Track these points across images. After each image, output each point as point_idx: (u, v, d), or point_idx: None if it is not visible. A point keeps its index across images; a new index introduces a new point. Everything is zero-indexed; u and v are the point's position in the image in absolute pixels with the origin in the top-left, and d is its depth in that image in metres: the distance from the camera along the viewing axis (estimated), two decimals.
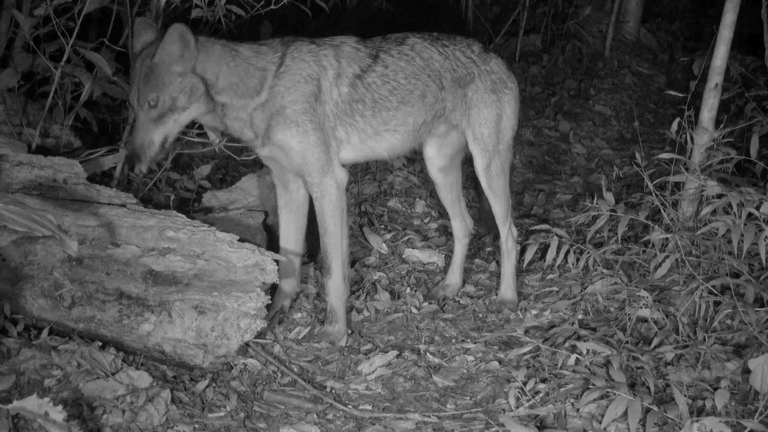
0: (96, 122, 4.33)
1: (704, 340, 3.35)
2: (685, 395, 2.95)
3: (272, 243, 4.04)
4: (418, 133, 3.82)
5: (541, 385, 3.26)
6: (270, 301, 3.37)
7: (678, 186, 4.12)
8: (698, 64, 6.12)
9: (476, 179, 4.01)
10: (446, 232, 4.77)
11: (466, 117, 3.88)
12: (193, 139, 4.17)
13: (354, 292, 4.08)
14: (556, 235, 3.96)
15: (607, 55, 8.01)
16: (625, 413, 2.89)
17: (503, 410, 3.20)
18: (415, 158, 5.44)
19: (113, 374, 3.01)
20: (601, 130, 6.82)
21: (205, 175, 4.75)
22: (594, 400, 3.05)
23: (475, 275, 4.42)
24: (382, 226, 4.82)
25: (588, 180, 5.80)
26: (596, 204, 3.95)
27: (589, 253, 3.96)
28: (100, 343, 3.20)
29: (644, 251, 3.99)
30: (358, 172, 5.34)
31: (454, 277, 4.25)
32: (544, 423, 3.07)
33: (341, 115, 3.63)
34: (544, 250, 4.10)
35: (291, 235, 3.90)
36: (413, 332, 3.87)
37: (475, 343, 3.77)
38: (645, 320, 3.59)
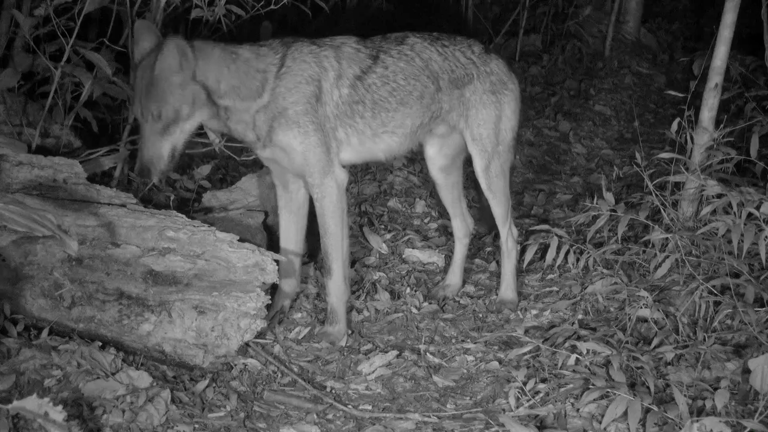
0: (96, 122, 4.33)
1: (704, 340, 3.35)
2: (685, 395, 2.95)
3: (272, 243, 4.04)
4: (416, 134, 3.82)
5: (541, 385, 3.26)
6: (270, 301, 3.37)
7: (678, 186, 4.12)
8: (698, 64, 6.12)
9: (477, 179, 4.01)
10: (446, 232, 4.77)
11: (464, 118, 3.87)
12: (193, 139, 4.16)
13: (354, 292, 4.08)
14: (556, 235, 3.96)
15: (607, 55, 8.02)
16: (625, 413, 2.89)
17: (503, 410, 3.20)
18: (415, 158, 5.44)
19: (113, 374, 3.01)
20: (601, 130, 6.82)
21: (205, 175, 4.75)
22: (594, 400, 3.05)
23: (475, 275, 4.42)
24: (382, 226, 4.82)
25: (588, 180, 5.80)
26: (596, 204, 3.95)
27: (589, 253, 3.96)
28: (100, 343, 3.20)
29: (644, 251, 3.98)
30: (358, 172, 5.34)
31: (454, 277, 4.25)
32: (544, 423, 3.07)
33: (341, 116, 3.62)
34: (544, 250, 4.10)
35: (291, 236, 3.90)
36: (413, 332, 3.87)
37: (475, 343, 3.77)
38: (645, 320, 3.59)
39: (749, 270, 3.60)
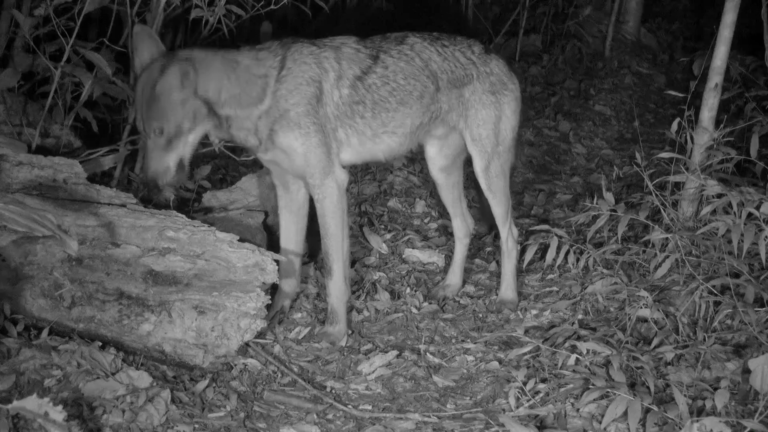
0: (96, 122, 4.33)
1: (704, 340, 3.35)
2: (685, 395, 2.95)
3: (272, 243, 4.04)
4: (415, 135, 3.82)
5: (541, 385, 3.26)
6: (270, 301, 3.37)
7: (678, 186, 4.12)
8: (698, 64, 6.12)
9: (477, 179, 4.01)
10: (446, 232, 4.77)
11: (463, 118, 3.87)
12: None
13: (354, 292, 4.08)
14: (556, 235, 3.96)
15: (607, 55, 8.02)
16: (625, 413, 2.89)
17: (503, 410, 3.20)
18: (415, 158, 5.44)
19: (113, 374, 3.01)
20: (601, 130, 6.82)
21: (205, 175, 4.76)
22: (594, 400, 3.05)
23: (475, 275, 4.42)
24: (382, 226, 4.82)
25: (588, 180, 5.80)
26: (596, 204, 3.94)
27: (589, 253, 3.96)
28: (100, 343, 3.20)
29: (644, 251, 3.98)
30: (358, 172, 5.34)
31: (455, 277, 4.25)
32: (544, 423, 3.07)
33: (342, 116, 3.62)
34: (544, 250, 4.09)
35: (291, 236, 3.90)
36: (413, 332, 3.87)
37: (475, 343, 3.77)
38: (645, 320, 3.59)
39: (749, 270, 3.60)
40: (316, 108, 3.55)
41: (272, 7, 4.37)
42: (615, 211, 3.91)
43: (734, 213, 3.59)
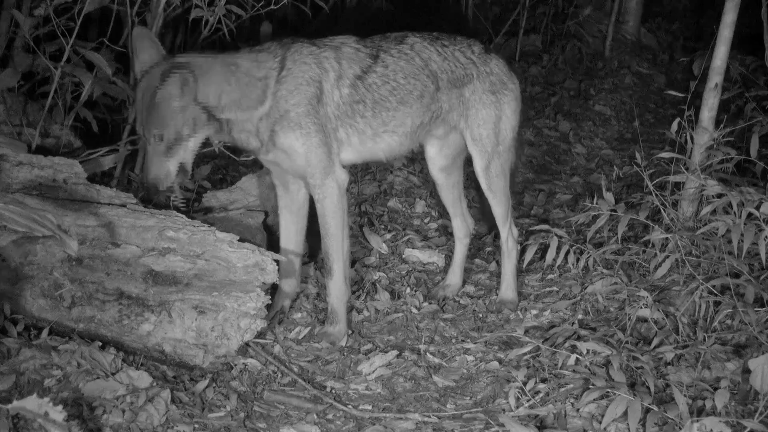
0: (96, 122, 4.33)
1: (704, 340, 3.35)
2: (685, 395, 2.95)
3: (272, 243, 4.04)
4: (416, 134, 3.82)
5: (541, 385, 3.26)
6: (270, 301, 3.37)
7: (678, 186, 4.12)
8: (698, 64, 6.12)
9: (477, 179, 4.01)
10: (446, 232, 4.77)
11: (464, 118, 3.87)
12: None
13: (354, 292, 4.08)
14: (556, 235, 3.96)
15: (607, 55, 8.01)
16: (625, 413, 2.89)
17: (503, 410, 3.20)
18: (415, 158, 5.44)
19: (113, 374, 3.01)
20: (601, 130, 6.82)
21: (205, 175, 4.76)
22: (594, 400, 3.05)
23: (475, 275, 4.42)
24: (382, 226, 4.82)
25: (588, 180, 5.80)
26: (596, 204, 3.94)
27: (589, 253, 3.96)
28: (100, 343, 3.20)
29: (644, 251, 3.98)
30: (358, 172, 5.34)
31: (455, 277, 4.25)
32: (544, 423, 3.07)
33: (342, 116, 3.62)
34: (544, 250, 4.09)
35: (291, 236, 3.90)
36: (413, 332, 3.87)
37: (475, 343, 3.77)
38: (645, 320, 3.59)
39: (749, 270, 3.60)
40: (316, 108, 3.55)
41: (272, 7, 4.37)
42: (615, 211, 3.91)
43: (734, 213, 3.59)
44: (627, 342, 3.42)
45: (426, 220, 4.99)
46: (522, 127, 4.20)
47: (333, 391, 3.38)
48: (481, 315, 4.03)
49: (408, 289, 4.21)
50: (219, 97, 3.42)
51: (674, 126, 4.00)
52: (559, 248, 3.94)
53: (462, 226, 4.25)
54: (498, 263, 4.35)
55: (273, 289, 3.72)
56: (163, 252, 3.36)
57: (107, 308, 3.28)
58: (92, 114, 4.33)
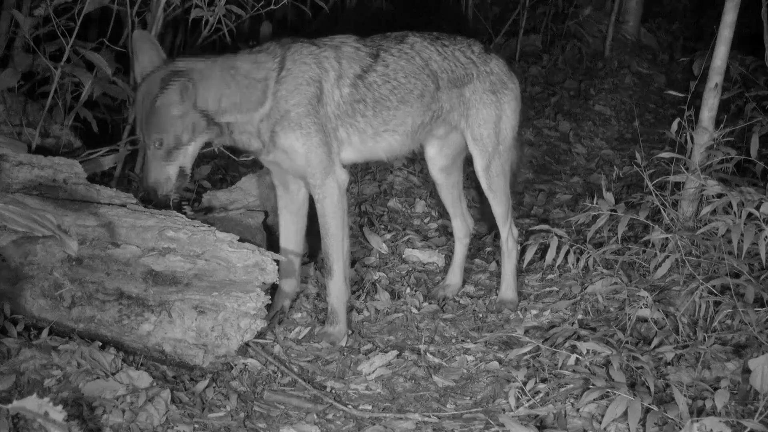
0: (96, 122, 4.33)
1: (704, 340, 3.35)
2: (685, 395, 2.95)
3: (272, 243, 4.04)
4: (417, 134, 3.82)
5: (541, 385, 3.26)
6: (270, 301, 3.37)
7: (678, 186, 4.12)
8: (698, 64, 6.11)
9: (477, 179, 4.01)
10: (446, 232, 4.77)
11: (464, 118, 3.87)
12: None
13: (354, 292, 4.08)
14: (556, 235, 3.96)
15: (607, 55, 8.01)
16: (625, 413, 2.89)
17: (503, 410, 3.20)
18: (415, 158, 5.44)
19: (113, 374, 3.01)
20: (601, 130, 6.82)
21: (205, 175, 4.76)
22: (594, 400, 3.05)
23: (475, 275, 4.42)
24: (382, 226, 4.82)
25: (588, 180, 5.80)
26: (596, 204, 3.94)
27: (589, 253, 3.96)
28: (100, 343, 3.20)
29: (644, 251, 3.98)
30: (358, 172, 5.34)
31: (454, 277, 4.25)
32: (544, 423, 3.07)
33: (342, 116, 3.62)
34: (544, 250, 4.09)
35: (291, 236, 3.90)
36: (413, 332, 3.87)
37: (475, 343, 3.77)
38: (645, 320, 3.59)
39: (749, 270, 3.60)
40: (316, 108, 3.55)
41: (272, 7, 4.37)
42: (615, 211, 3.91)
43: (734, 213, 3.59)
44: (627, 342, 3.42)
45: (426, 220, 4.99)
46: (522, 127, 4.21)
47: (333, 391, 3.38)
48: (481, 315, 4.03)
49: (408, 289, 4.21)
50: (219, 101, 3.42)
51: (674, 126, 4.00)
52: (559, 248, 3.94)
53: (462, 226, 4.25)
54: (498, 263, 4.35)
55: (273, 289, 3.72)
56: (163, 252, 3.36)
57: (107, 308, 3.28)
58: (92, 114, 4.34)
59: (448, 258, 4.44)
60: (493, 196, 3.97)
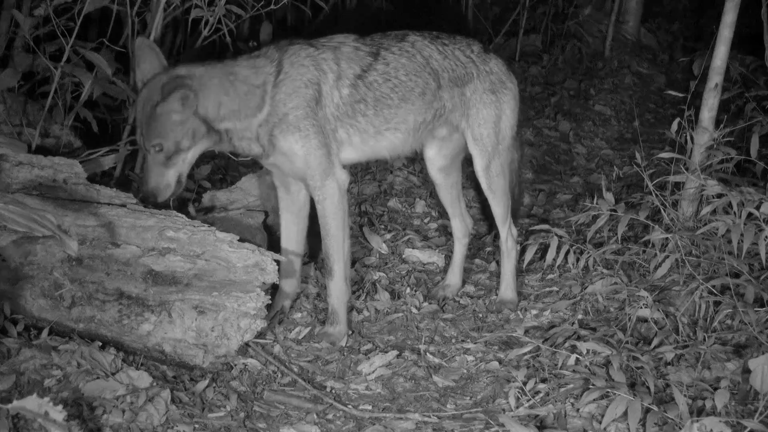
0: (96, 122, 4.33)
1: (704, 340, 3.35)
2: (685, 395, 2.95)
3: (272, 243, 4.04)
4: (419, 132, 3.82)
5: (541, 385, 3.26)
6: (270, 301, 3.37)
7: (678, 186, 4.12)
8: (698, 64, 6.11)
9: (476, 179, 4.01)
10: (446, 232, 4.77)
11: (465, 117, 3.88)
12: None
13: (354, 292, 4.08)
14: (556, 235, 3.96)
15: (607, 55, 8.01)
16: (625, 413, 2.89)
17: (503, 410, 3.20)
18: (415, 158, 5.44)
19: (113, 374, 3.01)
20: (601, 130, 6.82)
21: (205, 175, 4.75)
22: (594, 400, 3.05)
23: (475, 275, 4.42)
24: (382, 226, 4.82)
25: (588, 180, 5.80)
26: (596, 204, 3.94)
27: (589, 253, 3.96)
28: (100, 343, 3.20)
29: (644, 251, 3.98)
30: (358, 172, 5.34)
31: (454, 277, 4.25)
32: (544, 423, 3.07)
33: (342, 116, 3.62)
34: (544, 250, 4.09)
35: (292, 236, 3.90)
36: (413, 332, 3.87)
37: (475, 343, 3.77)
38: (645, 320, 3.59)
39: (749, 270, 3.60)
40: (315, 110, 3.55)
41: (272, 7, 4.37)
42: (615, 211, 3.91)
43: (734, 213, 3.59)
44: (627, 342, 3.42)
45: (426, 220, 4.99)
46: (522, 127, 4.21)
47: (333, 391, 3.38)
48: (481, 315, 4.03)
49: (408, 289, 4.21)
50: (218, 108, 3.44)
51: (674, 126, 4.00)
52: (559, 248, 3.94)
53: (461, 226, 4.25)
54: (498, 263, 4.35)
55: (273, 289, 3.72)
56: (163, 252, 3.36)
57: (107, 308, 3.28)
58: (92, 114, 4.34)
59: (448, 258, 4.44)
60: (492, 195, 3.97)
